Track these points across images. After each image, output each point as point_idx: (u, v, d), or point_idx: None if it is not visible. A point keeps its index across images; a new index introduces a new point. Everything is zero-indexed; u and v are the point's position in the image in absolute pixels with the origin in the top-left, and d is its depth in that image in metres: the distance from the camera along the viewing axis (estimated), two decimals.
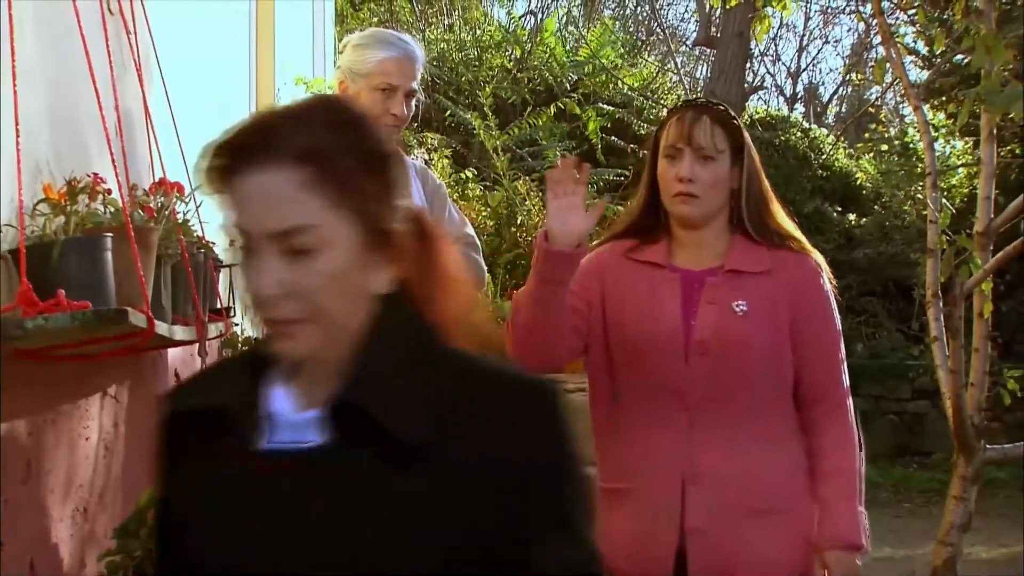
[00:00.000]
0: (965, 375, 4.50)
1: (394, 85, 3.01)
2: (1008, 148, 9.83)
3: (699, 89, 14.84)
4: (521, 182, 7.52)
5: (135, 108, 2.77)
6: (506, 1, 13.03)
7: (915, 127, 11.02)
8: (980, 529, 5.94)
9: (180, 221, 2.64)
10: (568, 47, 11.80)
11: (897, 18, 6.84)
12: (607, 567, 2.43)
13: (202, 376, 1.48)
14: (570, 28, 13.32)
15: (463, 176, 7.57)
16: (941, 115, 10.98)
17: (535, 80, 10.89)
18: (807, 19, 20.18)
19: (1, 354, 2.09)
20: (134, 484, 2.65)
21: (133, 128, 2.76)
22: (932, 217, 4.61)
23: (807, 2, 17.33)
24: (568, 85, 10.87)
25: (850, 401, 2.45)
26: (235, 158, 1.27)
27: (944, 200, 4.86)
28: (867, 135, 14.91)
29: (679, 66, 15.35)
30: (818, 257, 2.49)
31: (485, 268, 3.19)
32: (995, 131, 4.59)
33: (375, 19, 11.88)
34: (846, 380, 2.45)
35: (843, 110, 20.72)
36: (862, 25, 14.55)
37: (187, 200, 2.64)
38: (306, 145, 1.26)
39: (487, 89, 9.39)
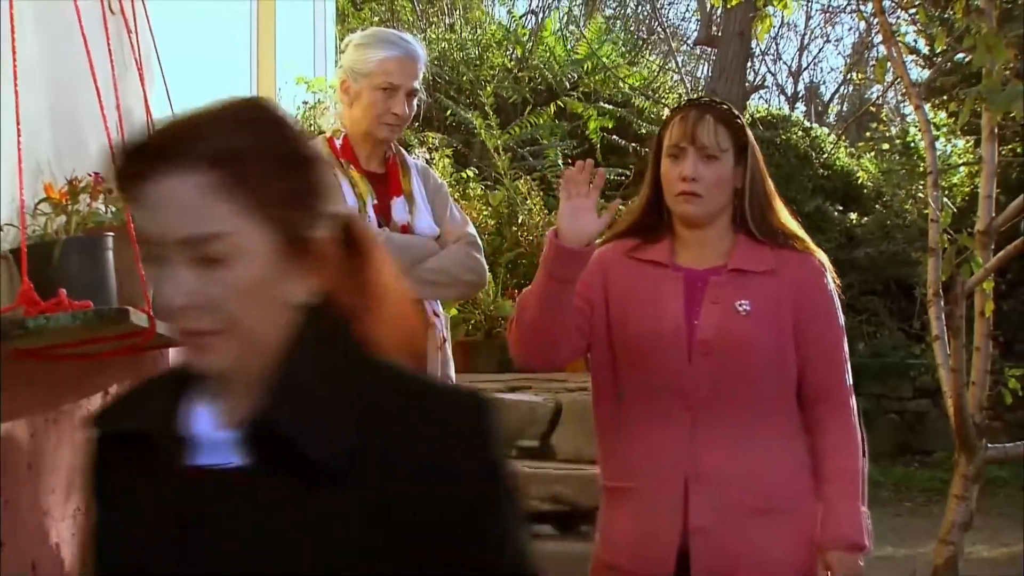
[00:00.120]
0: (966, 374, 4.50)
1: (396, 84, 3.01)
2: (1009, 147, 9.81)
3: (700, 88, 14.85)
4: (522, 181, 7.53)
5: (136, 107, 2.77)
6: (507, 0, 13.04)
7: (916, 126, 11.00)
8: (981, 528, 5.93)
9: None
10: (569, 46, 11.81)
11: (898, 17, 6.84)
12: (610, 565, 2.44)
13: (127, 396, 1.41)
14: (571, 28, 13.33)
15: (464, 175, 7.57)
16: (942, 114, 10.97)
17: (536, 79, 10.89)
18: (808, 18, 20.19)
19: (2, 353, 2.09)
20: None
21: (134, 127, 2.76)
22: (933, 216, 4.61)
23: (808, 1, 17.32)
24: (568, 84, 10.88)
25: (853, 401, 2.44)
26: (144, 162, 1.20)
27: (945, 199, 4.86)
28: (868, 134, 14.89)
29: (680, 65, 15.36)
30: (822, 256, 2.48)
31: (486, 267, 3.19)
32: (996, 130, 4.59)
33: (376, 18, 11.89)
34: (849, 380, 2.44)
35: (844, 109, 20.73)
36: (863, 24, 14.53)
37: None
38: (219, 147, 1.19)
39: (488, 88, 9.40)
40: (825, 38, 24.30)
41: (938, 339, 4.61)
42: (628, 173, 9.18)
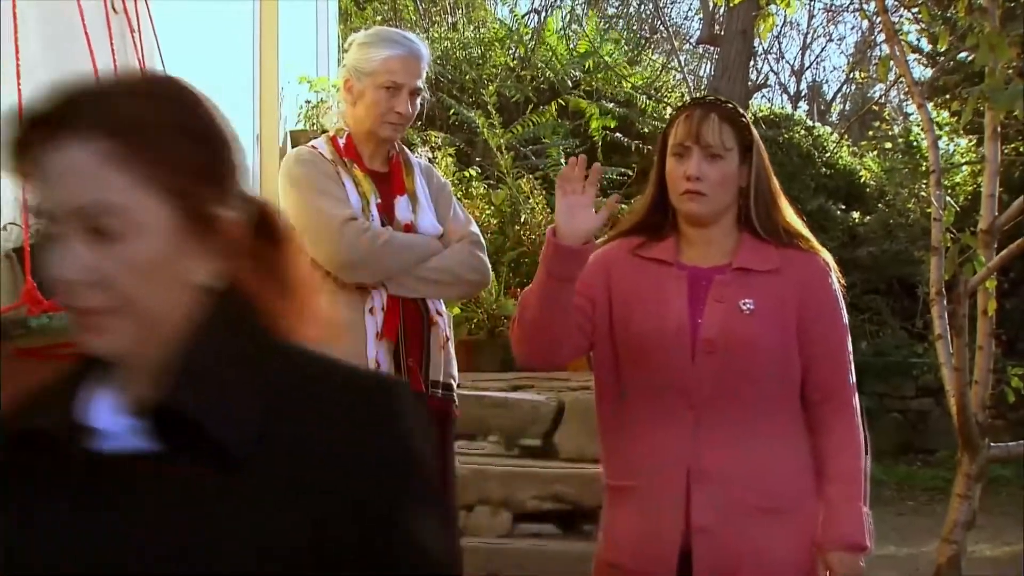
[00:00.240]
0: (969, 373, 4.49)
1: (399, 83, 3.01)
2: (1012, 146, 9.82)
3: (702, 87, 14.84)
4: (525, 180, 7.53)
5: None
6: None
7: (919, 125, 10.98)
8: (984, 527, 5.92)
9: None
10: (571, 45, 11.81)
11: (901, 16, 6.83)
12: (612, 564, 2.44)
13: (34, 394, 1.32)
14: (573, 26, 13.33)
15: (467, 174, 7.57)
16: (945, 113, 10.96)
17: (539, 78, 10.89)
18: (811, 17, 20.19)
19: (4, 352, 2.09)
20: None
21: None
22: (936, 215, 4.60)
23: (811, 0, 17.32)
24: (571, 83, 10.88)
25: (856, 400, 2.44)
26: (39, 130, 1.14)
27: (948, 198, 4.86)
28: (871, 133, 14.88)
29: (682, 64, 15.36)
30: (826, 256, 2.48)
31: (490, 266, 3.19)
32: (999, 129, 4.59)
33: (379, 17, 11.89)
34: (853, 379, 2.44)
35: (847, 108, 20.72)
36: (866, 23, 14.51)
37: None
38: (119, 116, 1.14)
39: (491, 87, 9.40)
40: (828, 37, 24.27)
41: (941, 338, 4.60)
42: (630, 172, 9.18)
